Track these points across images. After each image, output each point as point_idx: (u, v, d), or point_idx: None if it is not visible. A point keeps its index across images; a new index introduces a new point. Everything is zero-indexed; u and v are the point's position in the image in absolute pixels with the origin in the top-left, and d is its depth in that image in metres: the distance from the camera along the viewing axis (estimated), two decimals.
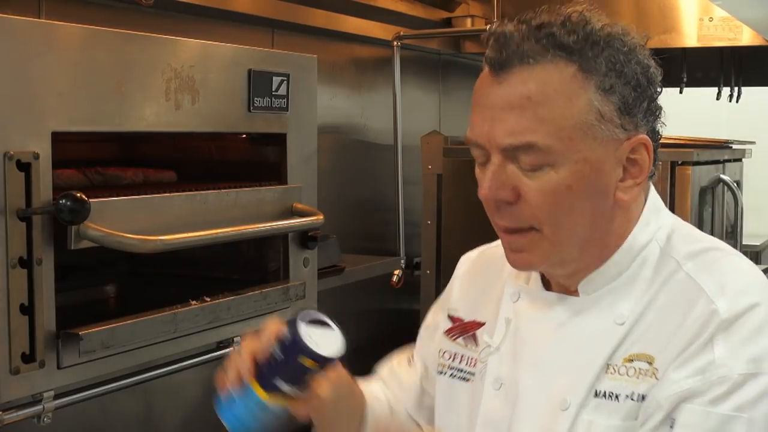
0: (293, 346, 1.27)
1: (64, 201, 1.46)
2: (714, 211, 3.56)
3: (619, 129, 1.27)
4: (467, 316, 1.49)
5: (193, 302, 1.77)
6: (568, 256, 1.33)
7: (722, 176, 3.55)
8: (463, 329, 1.49)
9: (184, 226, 1.70)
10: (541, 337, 1.38)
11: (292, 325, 1.28)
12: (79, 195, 1.47)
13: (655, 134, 1.33)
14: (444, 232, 3.16)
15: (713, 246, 1.36)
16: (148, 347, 1.69)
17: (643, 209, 1.35)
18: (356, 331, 3.55)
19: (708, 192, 3.47)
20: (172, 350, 1.78)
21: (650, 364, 1.27)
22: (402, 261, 3.18)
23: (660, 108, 1.33)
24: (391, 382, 1.62)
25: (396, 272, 3.13)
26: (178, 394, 2.38)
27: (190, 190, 1.78)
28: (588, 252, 1.33)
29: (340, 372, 1.37)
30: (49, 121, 1.49)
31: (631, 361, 1.29)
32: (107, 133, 1.90)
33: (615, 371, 1.30)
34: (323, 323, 1.31)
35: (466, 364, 1.46)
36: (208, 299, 1.78)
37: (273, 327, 1.32)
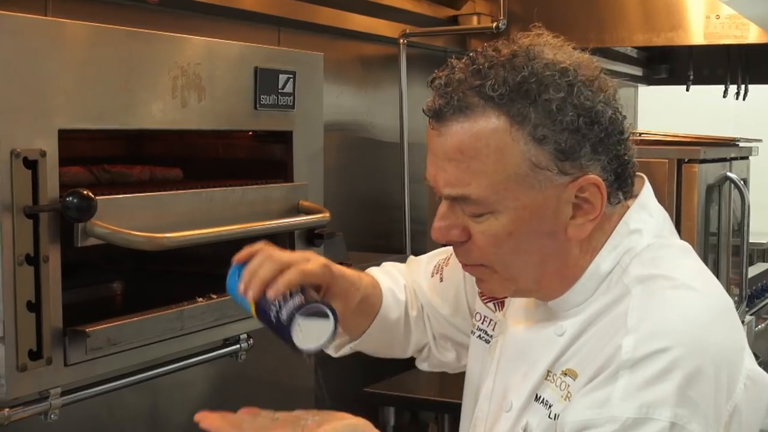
0: (284, 331, 1.31)
1: (70, 198, 1.47)
2: (720, 209, 3.56)
3: (558, 175, 1.25)
4: None
5: (200, 299, 1.77)
6: (526, 288, 1.36)
7: (729, 174, 3.55)
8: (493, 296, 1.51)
9: (190, 224, 1.70)
10: (515, 331, 1.42)
11: (290, 315, 1.30)
12: (85, 192, 1.48)
13: (618, 163, 1.29)
14: None
15: (666, 274, 1.29)
16: (154, 344, 1.69)
17: (610, 235, 1.33)
18: None
19: (715, 190, 3.46)
20: (179, 347, 1.79)
21: (574, 381, 1.28)
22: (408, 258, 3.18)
23: (619, 141, 1.29)
24: (414, 285, 1.66)
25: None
26: (184, 391, 2.39)
27: (196, 188, 1.79)
28: (546, 285, 1.34)
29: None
30: (55, 118, 1.50)
31: (565, 374, 1.30)
32: (114, 131, 1.90)
33: (553, 381, 1.31)
34: (323, 314, 1.32)
35: (492, 328, 1.50)
36: (215, 296, 1.78)
37: (291, 277, 1.33)
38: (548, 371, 1.32)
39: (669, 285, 1.28)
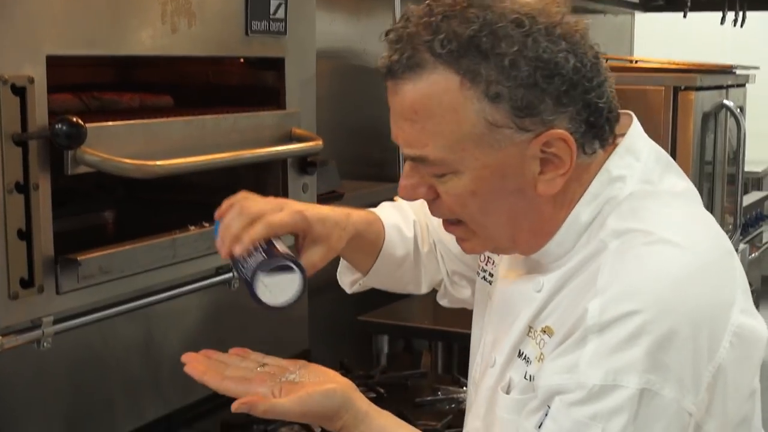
0: (249, 288, 1.32)
1: (60, 125, 1.46)
2: (716, 138, 3.55)
3: (518, 132, 1.20)
4: None
5: (192, 228, 1.77)
6: (503, 245, 1.33)
7: (725, 102, 3.54)
8: None
9: (181, 152, 1.69)
10: (502, 283, 1.41)
11: (252, 273, 1.31)
12: (75, 119, 1.47)
13: (590, 112, 1.23)
14: None
15: (644, 228, 1.22)
16: (146, 273, 1.69)
17: (589, 185, 1.27)
18: None
19: (711, 118, 3.46)
20: (171, 276, 1.79)
21: (550, 338, 1.26)
22: None
23: (588, 89, 1.22)
24: (427, 221, 1.65)
25: (396, 199, 3.13)
26: (177, 319, 2.39)
27: (187, 115, 1.77)
28: (522, 242, 1.31)
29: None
30: (43, 44, 1.48)
31: (543, 332, 1.28)
32: (103, 57, 1.88)
33: (534, 337, 1.29)
34: (288, 269, 1.32)
35: (493, 266, 1.48)
36: (207, 225, 1.78)
37: (256, 232, 1.35)
38: (530, 327, 1.30)
39: (644, 241, 1.21)
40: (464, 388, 2.44)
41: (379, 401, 2.45)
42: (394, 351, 3.13)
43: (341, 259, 1.64)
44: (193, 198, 2.03)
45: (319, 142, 1.99)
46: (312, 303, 2.75)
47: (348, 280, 1.66)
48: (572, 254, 1.28)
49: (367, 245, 1.57)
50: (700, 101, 3.30)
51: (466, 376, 1.60)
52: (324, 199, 2.37)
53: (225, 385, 1.29)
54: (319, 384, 1.28)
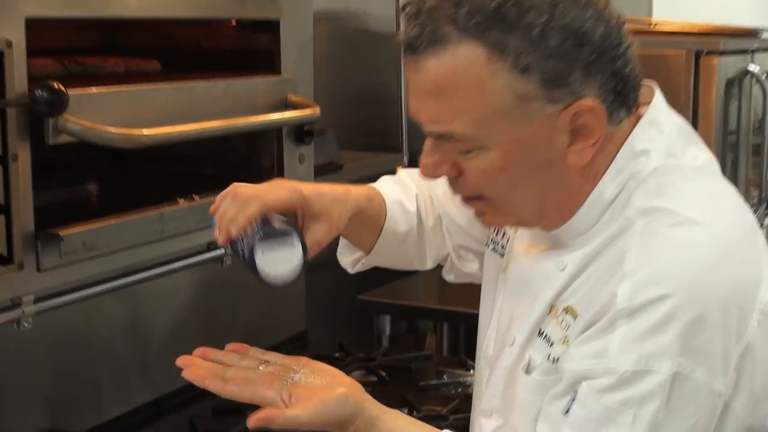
0: (251, 266, 1.34)
1: (40, 92, 1.45)
2: (741, 105, 3.54)
3: (548, 104, 1.22)
4: None
5: (182, 201, 1.77)
6: (527, 220, 1.35)
7: (750, 67, 3.53)
8: None
9: (170, 120, 1.69)
10: (520, 258, 1.43)
11: (250, 248, 1.33)
12: (56, 85, 1.46)
13: (617, 80, 1.25)
14: None
15: (670, 207, 1.25)
16: (133, 249, 1.70)
17: (614, 157, 1.30)
18: None
19: (735, 84, 3.45)
20: (159, 252, 1.80)
21: (574, 321, 1.28)
22: (405, 158, 3.17)
23: (615, 57, 1.24)
24: (432, 193, 1.67)
25: (398, 170, 3.12)
26: (166, 298, 2.40)
27: (176, 81, 1.77)
28: (547, 215, 1.33)
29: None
30: (22, 6, 1.47)
31: (566, 311, 1.30)
32: (86, 19, 1.88)
33: (555, 316, 1.31)
34: (286, 240, 1.34)
35: (507, 240, 1.50)
36: (197, 198, 1.79)
37: (251, 210, 1.36)
38: (551, 306, 1.32)
39: (670, 222, 1.24)
40: (471, 371, 2.44)
41: (380, 385, 2.47)
42: (397, 332, 3.14)
43: (341, 238, 1.64)
44: (183, 169, 2.04)
45: (317, 110, 1.99)
46: (309, 281, 2.75)
47: (349, 259, 1.66)
48: (595, 232, 1.30)
49: (369, 222, 1.58)
50: (724, 67, 3.29)
51: (473, 358, 1.61)
52: (322, 170, 2.37)
53: (229, 389, 1.30)
54: (328, 388, 1.29)
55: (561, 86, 1.22)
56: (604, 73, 1.24)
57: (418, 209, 1.64)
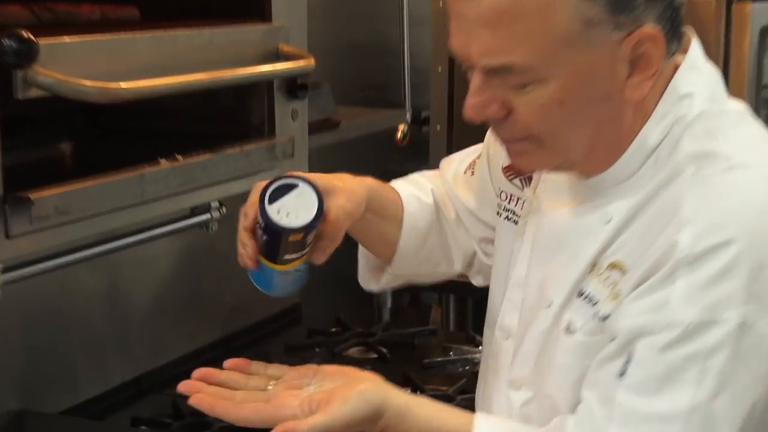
0: (270, 228, 1.38)
1: (7, 41, 1.45)
2: None
3: (613, 30, 1.25)
4: None
5: (163, 161, 1.77)
6: (573, 161, 1.37)
7: None
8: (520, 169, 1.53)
9: (150, 72, 1.69)
10: (551, 215, 1.45)
11: (261, 206, 1.38)
12: (25, 34, 1.46)
13: (672, 8, 1.30)
14: (457, 81, 3.14)
15: (722, 151, 1.30)
16: (110, 214, 1.70)
17: (660, 99, 1.34)
18: None
19: None
20: (139, 217, 1.79)
21: (623, 276, 1.30)
22: (407, 114, 3.17)
23: None
24: (446, 186, 1.70)
25: (400, 127, 3.13)
26: (147, 267, 2.41)
27: (156, 30, 1.76)
28: (595, 156, 1.35)
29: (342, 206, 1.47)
30: None
31: (612, 268, 1.32)
32: None
33: (598, 274, 1.34)
34: (291, 186, 1.39)
35: (521, 207, 1.53)
36: (181, 158, 1.79)
37: (252, 200, 1.42)
38: (593, 263, 1.34)
39: (724, 167, 1.28)
40: (480, 348, 2.46)
41: (380, 363, 2.48)
42: (399, 305, 3.15)
43: (360, 257, 1.66)
44: (164, 126, 2.04)
45: (311, 61, 1.98)
46: None
47: (373, 275, 1.69)
48: (638, 180, 1.34)
49: (388, 215, 1.62)
50: (758, 14, 3.28)
51: (481, 333, 1.62)
52: (317, 127, 2.37)
53: (243, 415, 1.31)
54: (347, 387, 1.31)
55: (626, 11, 1.24)
56: (663, 0, 1.28)
57: (435, 202, 1.66)
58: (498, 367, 1.50)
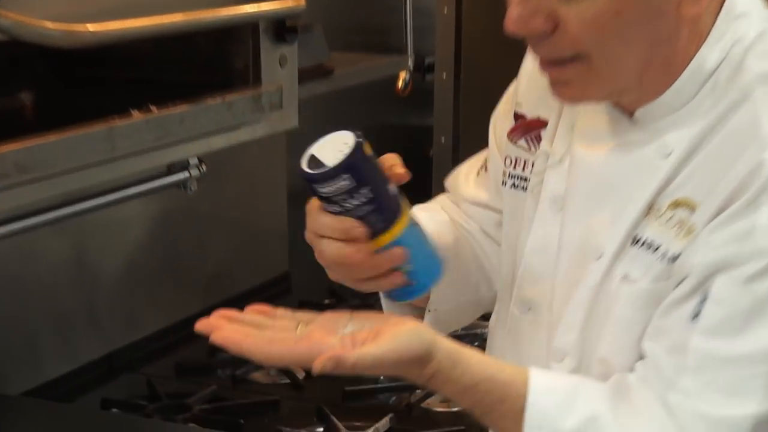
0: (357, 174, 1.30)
1: None
2: None
3: None
4: (531, 113, 1.54)
5: (136, 113, 1.76)
6: (624, 86, 1.37)
7: None
8: (526, 128, 1.54)
9: (121, 13, 1.68)
10: (590, 159, 1.44)
11: (314, 174, 1.30)
12: None
13: None
14: (465, 24, 3.13)
15: None
16: (77, 172, 1.69)
17: (716, 18, 1.35)
18: None
19: None
20: (110, 176, 1.79)
21: (692, 213, 1.31)
22: (409, 61, 3.15)
23: None
24: (457, 200, 1.69)
25: (402, 75, 3.11)
26: (118, 231, 2.41)
27: None
28: (648, 79, 1.35)
29: None
30: None
31: (676, 206, 1.33)
32: None
33: (658, 215, 1.34)
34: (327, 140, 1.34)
35: (529, 170, 1.53)
36: (155, 109, 1.77)
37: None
38: (650, 205, 1.35)
39: None
40: (487, 321, 2.45)
41: None
42: None
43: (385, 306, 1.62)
44: (137, 74, 2.02)
45: (301, 1, 1.97)
46: (293, 216, 2.76)
47: (408, 310, 1.60)
48: (695, 107, 1.34)
49: None
50: None
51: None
52: (308, 75, 2.36)
53: (276, 350, 1.26)
54: (394, 325, 1.28)
55: None
56: None
57: (451, 218, 1.66)
58: (519, 343, 1.50)
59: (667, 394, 1.27)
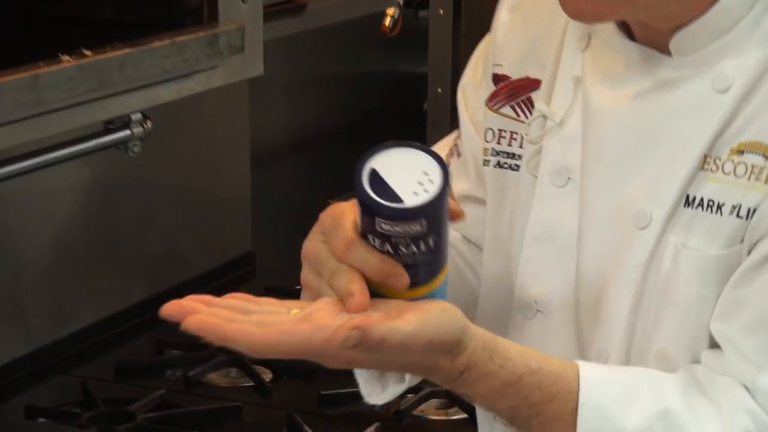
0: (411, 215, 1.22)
1: None
2: None
3: None
4: (516, 73, 1.53)
5: (66, 58, 1.76)
6: (658, 2, 1.36)
7: None
8: (512, 92, 1.52)
9: None
10: (612, 111, 1.43)
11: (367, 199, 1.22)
12: None
13: None
14: None
15: None
16: None
17: None
18: (328, 111, 3.59)
19: None
20: (35, 134, 1.79)
21: (766, 157, 1.31)
22: None
23: None
24: None
25: (389, 12, 3.10)
26: (45, 203, 2.41)
27: None
28: None
29: None
30: None
31: (741, 153, 1.32)
32: None
33: (718, 167, 1.33)
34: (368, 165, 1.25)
35: (519, 145, 1.51)
36: (90, 53, 1.78)
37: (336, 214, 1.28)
38: (704, 156, 1.34)
39: None
40: None
41: None
42: None
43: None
44: (68, 11, 2.02)
45: None
46: (257, 184, 2.77)
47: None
48: (752, 28, 1.34)
49: None
50: None
51: None
52: (275, 13, 2.36)
53: (271, 338, 1.14)
54: (420, 303, 1.22)
55: None
56: None
57: None
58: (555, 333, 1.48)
59: (757, 379, 1.27)
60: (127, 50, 1.83)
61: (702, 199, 1.34)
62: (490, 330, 1.41)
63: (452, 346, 1.22)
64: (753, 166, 1.31)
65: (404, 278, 1.21)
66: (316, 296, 1.25)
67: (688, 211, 1.35)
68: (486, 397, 1.28)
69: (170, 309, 1.18)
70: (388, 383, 1.43)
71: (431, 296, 1.25)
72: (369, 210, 1.21)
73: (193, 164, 2.76)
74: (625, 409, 1.28)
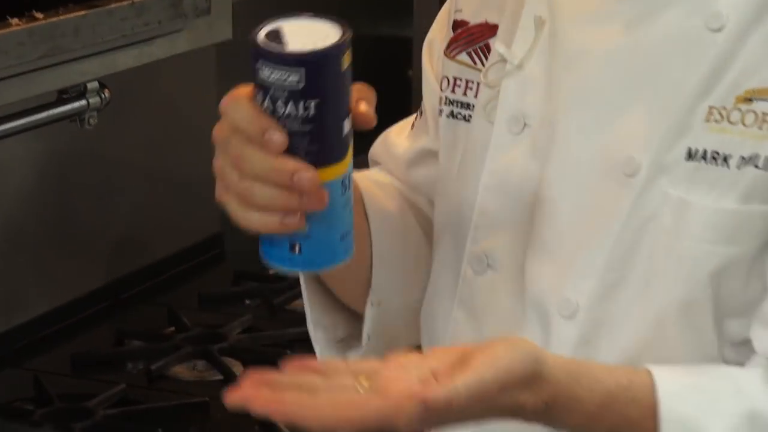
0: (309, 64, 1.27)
1: None
2: None
3: None
4: (475, 18, 1.53)
5: (15, 21, 1.76)
6: None
7: None
8: (470, 38, 1.53)
9: None
10: (591, 51, 1.43)
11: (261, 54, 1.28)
12: None
13: None
14: None
15: None
16: None
17: None
18: None
19: None
20: None
21: None
22: None
23: None
24: (393, 167, 1.68)
25: None
26: None
27: None
28: None
29: None
30: None
31: (750, 100, 1.32)
32: None
33: (723, 117, 1.33)
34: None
35: (474, 95, 1.51)
36: (40, 16, 1.78)
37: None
38: (709, 108, 1.34)
39: None
40: None
41: None
42: None
43: (314, 324, 1.59)
44: None
45: None
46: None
47: (348, 332, 1.61)
48: None
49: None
50: None
51: None
52: None
53: (344, 414, 1.17)
54: (487, 345, 1.23)
55: None
56: None
57: (393, 181, 1.65)
58: (477, 315, 1.49)
59: None
60: (82, 12, 1.84)
61: (705, 152, 1.34)
62: (442, 291, 1.51)
63: (530, 379, 1.23)
64: (764, 115, 1.32)
65: (278, 135, 1.25)
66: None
67: (691, 164, 1.35)
68: (585, 426, 1.28)
69: (234, 398, 1.21)
70: (348, 352, 1.57)
71: (328, 189, 1.27)
72: (253, 55, 1.27)
73: (155, 138, 2.76)
74: (708, 413, 1.28)
